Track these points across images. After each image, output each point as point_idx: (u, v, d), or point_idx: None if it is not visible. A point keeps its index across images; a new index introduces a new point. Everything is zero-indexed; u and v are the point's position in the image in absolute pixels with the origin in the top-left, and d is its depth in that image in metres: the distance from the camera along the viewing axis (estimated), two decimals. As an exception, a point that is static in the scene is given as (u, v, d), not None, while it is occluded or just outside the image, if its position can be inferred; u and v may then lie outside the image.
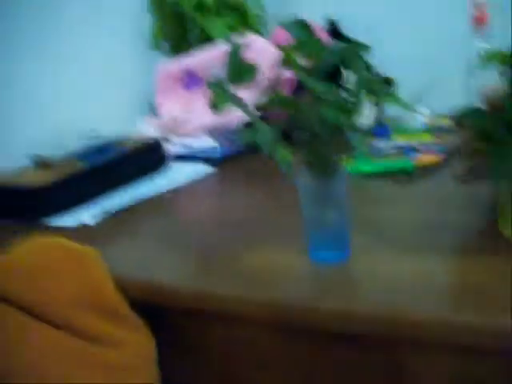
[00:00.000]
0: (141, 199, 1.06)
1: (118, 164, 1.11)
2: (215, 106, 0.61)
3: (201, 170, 1.19)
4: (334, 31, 1.57)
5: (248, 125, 0.62)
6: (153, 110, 1.41)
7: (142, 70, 1.46)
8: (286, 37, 1.47)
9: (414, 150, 1.13)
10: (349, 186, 0.67)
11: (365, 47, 0.64)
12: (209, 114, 1.24)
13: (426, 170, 1.01)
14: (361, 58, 0.61)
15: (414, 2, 1.47)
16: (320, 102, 0.59)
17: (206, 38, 1.39)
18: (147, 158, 1.18)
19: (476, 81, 1.21)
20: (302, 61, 0.61)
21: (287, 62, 0.60)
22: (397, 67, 1.46)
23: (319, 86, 0.58)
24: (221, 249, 0.80)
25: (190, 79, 1.32)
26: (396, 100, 0.65)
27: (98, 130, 1.20)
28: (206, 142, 1.27)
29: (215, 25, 1.37)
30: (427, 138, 1.19)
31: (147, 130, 1.33)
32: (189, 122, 1.30)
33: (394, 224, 0.80)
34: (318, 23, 1.49)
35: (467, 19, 1.23)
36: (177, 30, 1.45)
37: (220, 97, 0.61)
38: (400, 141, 1.18)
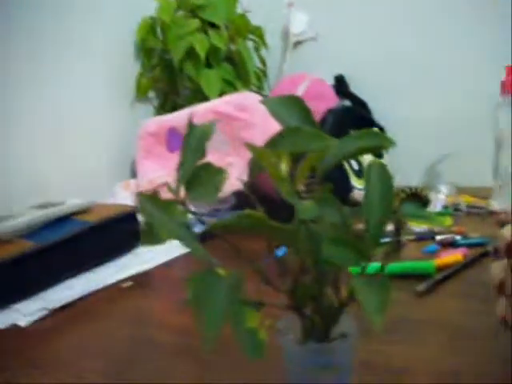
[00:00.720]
0: (97, 289, 0.81)
1: (76, 242, 0.86)
2: (148, 241, 0.38)
3: (176, 248, 0.94)
4: (341, 88, 1.35)
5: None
6: (135, 173, 1.16)
7: (125, 126, 1.20)
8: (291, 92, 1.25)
9: (432, 237, 0.92)
10: (356, 344, 0.42)
11: (387, 142, 0.40)
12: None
13: (448, 272, 0.77)
14: (382, 166, 0.37)
15: (439, 65, 1.26)
16: (318, 233, 0.35)
17: (199, 92, 1.16)
18: (115, 233, 0.92)
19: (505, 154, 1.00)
20: (286, 162, 0.37)
21: (262, 166, 0.36)
22: (412, 133, 1.25)
23: (314, 209, 0.34)
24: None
25: (174, 139, 1.08)
26: (431, 222, 0.41)
27: (61, 195, 0.96)
28: (188, 214, 1.03)
29: (207, 78, 1.13)
30: (446, 223, 0.98)
31: (123, 195, 1.09)
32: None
33: (415, 368, 0.55)
34: (325, 80, 1.27)
35: (497, 86, 1.01)
36: (166, 82, 1.21)
37: (159, 228, 0.37)
38: (416, 227, 0.94)
